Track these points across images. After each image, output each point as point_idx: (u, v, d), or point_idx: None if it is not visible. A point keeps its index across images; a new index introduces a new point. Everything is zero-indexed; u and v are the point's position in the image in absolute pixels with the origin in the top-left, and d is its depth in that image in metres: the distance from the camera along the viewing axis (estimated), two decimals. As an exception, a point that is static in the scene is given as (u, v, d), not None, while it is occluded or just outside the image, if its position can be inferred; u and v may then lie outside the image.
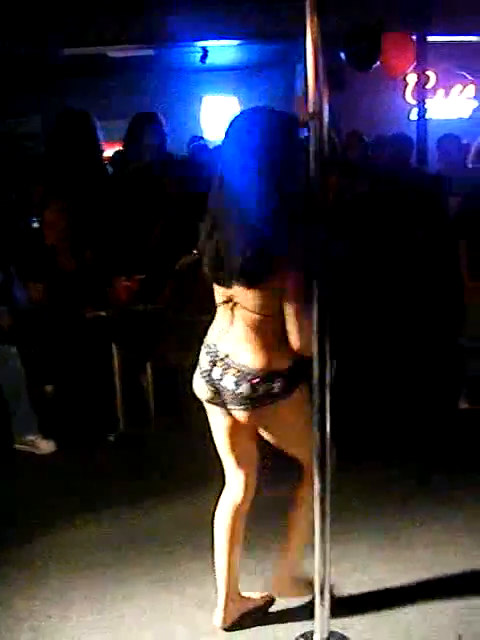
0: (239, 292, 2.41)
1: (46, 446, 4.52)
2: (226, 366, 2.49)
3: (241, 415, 2.54)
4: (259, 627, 2.86)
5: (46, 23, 7.63)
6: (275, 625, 2.87)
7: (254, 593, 2.96)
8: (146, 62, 9.85)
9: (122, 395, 4.70)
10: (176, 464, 4.27)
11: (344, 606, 2.92)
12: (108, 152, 5.70)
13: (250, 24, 8.14)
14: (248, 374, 2.45)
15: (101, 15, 7.84)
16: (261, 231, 2.26)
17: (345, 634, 2.76)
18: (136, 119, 5.31)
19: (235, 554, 2.76)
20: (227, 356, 2.50)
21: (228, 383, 2.49)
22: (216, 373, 2.53)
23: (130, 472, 4.22)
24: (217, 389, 2.54)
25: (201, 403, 2.70)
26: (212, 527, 2.81)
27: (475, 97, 10.26)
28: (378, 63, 7.37)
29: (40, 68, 9.06)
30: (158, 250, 4.91)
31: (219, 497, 2.83)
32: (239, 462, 2.73)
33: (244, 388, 2.46)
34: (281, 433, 2.64)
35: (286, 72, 10.84)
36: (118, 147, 5.83)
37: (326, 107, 2.16)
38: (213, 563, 2.84)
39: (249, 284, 2.36)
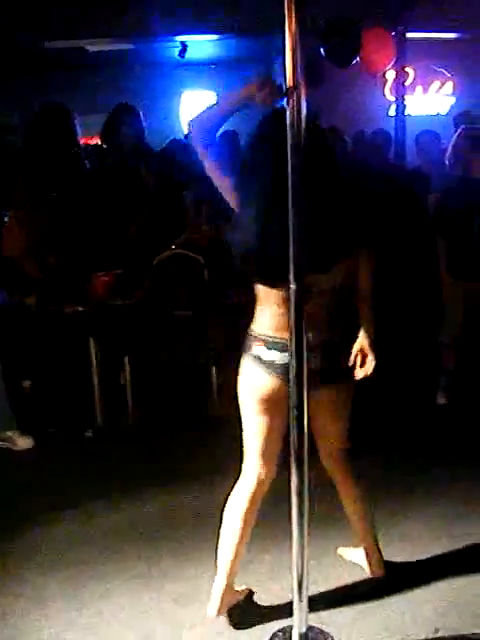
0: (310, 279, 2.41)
1: (24, 442, 4.49)
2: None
3: (325, 392, 2.66)
4: (239, 621, 2.86)
5: (26, 17, 7.57)
6: (255, 619, 2.88)
7: (239, 587, 2.97)
8: (125, 56, 9.81)
9: (100, 390, 4.68)
10: (154, 460, 4.27)
11: (323, 601, 2.94)
12: (86, 146, 5.67)
13: (229, 19, 8.13)
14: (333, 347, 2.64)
15: (80, 9, 7.79)
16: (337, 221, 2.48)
17: (324, 628, 2.77)
18: (114, 111, 5.30)
19: (243, 543, 2.80)
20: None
21: (315, 363, 2.53)
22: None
23: (108, 468, 4.21)
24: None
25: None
26: (189, 522, 2.81)
27: (453, 94, 10.32)
28: (358, 59, 7.38)
29: (19, 61, 9.00)
30: (136, 245, 4.89)
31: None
32: (277, 445, 2.76)
33: (331, 361, 2.64)
34: (342, 412, 2.84)
35: (265, 67, 10.83)
36: (96, 141, 5.80)
37: (304, 102, 2.15)
38: (191, 559, 2.84)
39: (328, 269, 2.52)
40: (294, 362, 2.33)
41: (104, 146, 5.47)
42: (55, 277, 4.63)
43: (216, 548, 2.81)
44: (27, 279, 4.65)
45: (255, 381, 2.66)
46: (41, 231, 4.61)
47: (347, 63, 7.24)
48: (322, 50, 6.96)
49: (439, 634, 2.78)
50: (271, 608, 2.94)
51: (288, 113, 2.16)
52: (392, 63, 7.49)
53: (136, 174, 5.10)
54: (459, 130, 5.10)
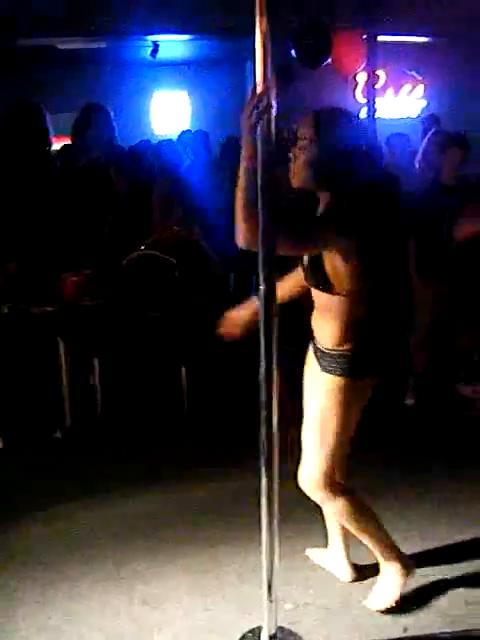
0: None
1: (-8, 443, 4.46)
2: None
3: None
4: (205, 623, 2.86)
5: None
6: (225, 620, 2.88)
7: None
8: (97, 55, 9.77)
9: (69, 391, 4.65)
10: (123, 461, 4.25)
11: (292, 601, 2.95)
12: (57, 145, 5.63)
13: (201, 20, 8.13)
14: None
15: (52, 7, 7.74)
16: None
17: (293, 629, 2.78)
18: (83, 111, 5.25)
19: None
20: None
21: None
22: None
23: (77, 469, 4.19)
24: None
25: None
26: (159, 523, 2.81)
27: (424, 97, 10.40)
28: (329, 61, 7.42)
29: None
30: (106, 245, 4.87)
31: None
32: None
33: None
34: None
35: (236, 68, 10.85)
36: (67, 140, 5.76)
37: (275, 103, 2.16)
38: (161, 560, 2.83)
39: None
40: (264, 361, 2.33)
41: (74, 145, 5.43)
42: (19, 281, 4.58)
43: (186, 548, 2.81)
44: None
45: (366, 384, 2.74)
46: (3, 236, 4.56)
47: (317, 65, 7.29)
48: (292, 52, 6.99)
49: (408, 633, 2.80)
50: (241, 609, 2.94)
51: (259, 131, 2.18)
52: (362, 66, 7.54)
53: (106, 174, 5.07)
54: (429, 133, 5.14)
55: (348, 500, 2.78)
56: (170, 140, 7.58)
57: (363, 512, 2.84)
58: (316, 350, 2.72)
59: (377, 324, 2.63)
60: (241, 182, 2.26)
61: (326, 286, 2.55)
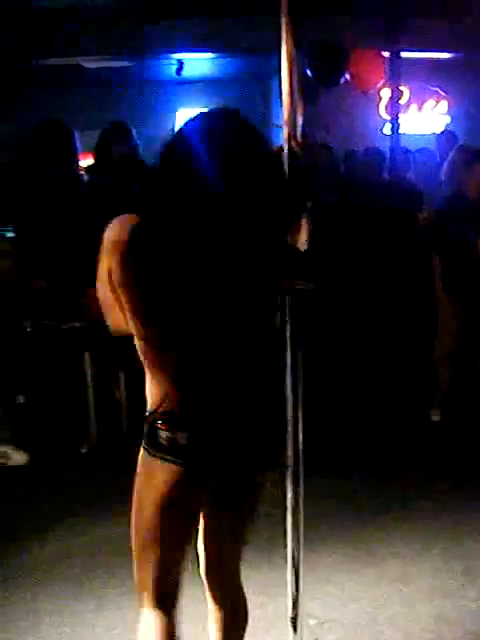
0: None
1: (19, 457, 4.49)
2: None
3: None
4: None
5: (23, 33, 7.62)
6: (246, 636, 2.87)
7: None
8: (122, 74, 9.87)
9: (95, 406, 4.68)
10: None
11: (317, 617, 2.94)
12: (83, 162, 5.68)
13: (226, 37, 8.20)
14: None
15: (78, 26, 7.85)
16: None
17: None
18: (105, 130, 5.28)
19: None
20: None
21: None
22: None
23: (102, 484, 4.20)
24: None
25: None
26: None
27: (448, 113, 10.39)
28: (349, 78, 7.46)
29: (14, 77, 9.05)
30: None
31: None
32: None
33: None
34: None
35: (261, 86, 10.91)
36: (91, 158, 5.82)
37: (300, 120, 2.18)
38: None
39: None
40: (289, 376, 2.33)
41: (97, 165, 5.47)
42: (46, 298, 4.63)
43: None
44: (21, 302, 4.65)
45: None
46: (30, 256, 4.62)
47: (332, 85, 7.37)
48: (308, 71, 7.07)
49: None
50: (265, 625, 2.93)
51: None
52: (382, 81, 7.57)
53: (130, 192, 5.10)
54: (453, 150, 5.14)
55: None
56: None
57: None
58: None
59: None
60: None
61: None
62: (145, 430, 1.98)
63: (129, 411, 4.79)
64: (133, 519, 2.08)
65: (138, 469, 2.05)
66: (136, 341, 1.91)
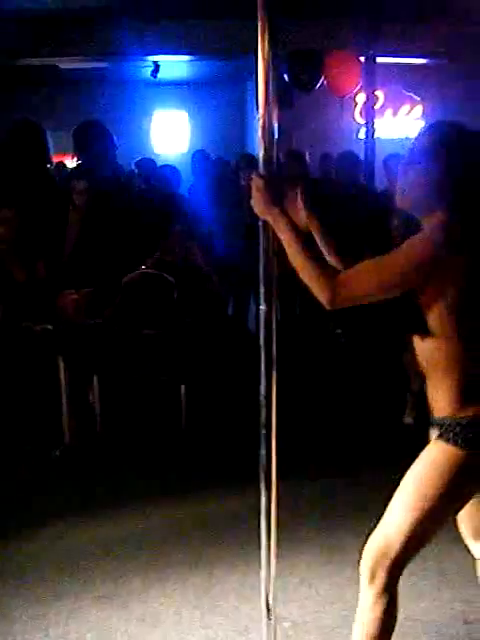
0: None
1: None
2: None
3: None
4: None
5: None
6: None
7: None
8: (98, 75, 9.85)
9: (68, 409, 4.64)
10: (122, 479, 4.24)
11: (291, 620, 2.94)
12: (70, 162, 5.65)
13: (202, 40, 8.20)
14: None
15: (54, 27, 7.81)
16: None
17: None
18: (81, 128, 5.21)
19: None
20: None
21: None
22: None
23: (75, 488, 4.18)
24: None
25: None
26: (157, 541, 2.79)
27: (423, 117, 10.46)
28: (325, 82, 7.50)
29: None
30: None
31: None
32: None
33: None
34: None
35: (236, 88, 10.94)
36: (67, 158, 5.79)
37: (276, 125, 2.18)
38: (159, 578, 2.82)
39: None
40: (264, 380, 2.34)
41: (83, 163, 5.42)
42: (22, 292, 4.60)
43: (184, 566, 2.80)
44: (10, 282, 4.61)
45: None
46: (30, 236, 4.59)
47: (309, 89, 7.41)
48: (285, 75, 7.10)
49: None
50: (239, 628, 2.92)
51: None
52: (357, 86, 7.61)
53: (108, 191, 5.08)
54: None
55: (388, 607, 2.31)
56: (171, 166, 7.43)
57: (388, 629, 2.34)
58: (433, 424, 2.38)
59: None
60: (291, 251, 2.14)
61: (425, 330, 2.19)
62: (458, 431, 2.23)
63: (102, 414, 4.76)
64: (425, 506, 2.26)
65: (446, 467, 2.26)
66: (433, 343, 2.19)
